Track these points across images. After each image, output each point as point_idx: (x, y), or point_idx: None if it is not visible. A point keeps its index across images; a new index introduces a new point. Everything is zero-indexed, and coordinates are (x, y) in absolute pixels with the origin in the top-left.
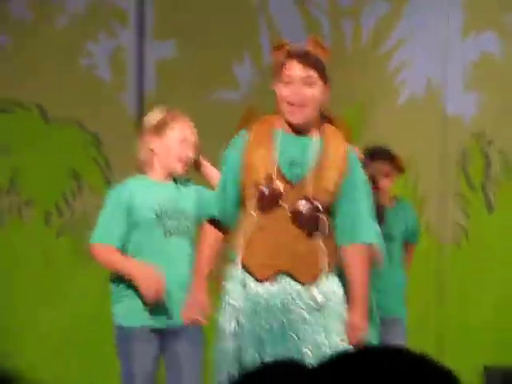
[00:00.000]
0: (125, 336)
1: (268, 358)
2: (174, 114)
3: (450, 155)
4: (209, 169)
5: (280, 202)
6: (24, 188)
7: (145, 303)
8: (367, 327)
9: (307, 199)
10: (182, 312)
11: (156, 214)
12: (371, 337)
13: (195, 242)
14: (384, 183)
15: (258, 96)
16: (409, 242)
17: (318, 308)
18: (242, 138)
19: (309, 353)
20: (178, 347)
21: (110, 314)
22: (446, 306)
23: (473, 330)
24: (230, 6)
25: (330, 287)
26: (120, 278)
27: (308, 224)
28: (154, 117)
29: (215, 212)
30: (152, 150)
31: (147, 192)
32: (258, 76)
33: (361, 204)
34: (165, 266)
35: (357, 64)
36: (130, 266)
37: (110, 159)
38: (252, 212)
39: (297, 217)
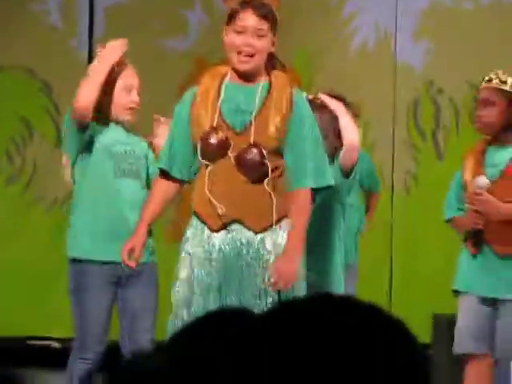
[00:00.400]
0: (80, 271)
1: (216, 306)
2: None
3: (401, 103)
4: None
5: (228, 151)
6: None
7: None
8: (295, 274)
9: (251, 145)
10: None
11: (109, 152)
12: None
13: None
14: None
15: (208, 44)
16: (371, 190)
17: (266, 258)
18: (191, 92)
19: (256, 301)
20: (132, 291)
21: (59, 259)
22: (396, 254)
23: (422, 277)
24: None
25: (278, 238)
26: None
27: (253, 171)
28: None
29: (163, 164)
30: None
31: (104, 131)
32: (209, 24)
33: (307, 144)
34: (115, 207)
35: (309, 11)
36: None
37: (60, 107)
38: (204, 162)
39: (241, 164)
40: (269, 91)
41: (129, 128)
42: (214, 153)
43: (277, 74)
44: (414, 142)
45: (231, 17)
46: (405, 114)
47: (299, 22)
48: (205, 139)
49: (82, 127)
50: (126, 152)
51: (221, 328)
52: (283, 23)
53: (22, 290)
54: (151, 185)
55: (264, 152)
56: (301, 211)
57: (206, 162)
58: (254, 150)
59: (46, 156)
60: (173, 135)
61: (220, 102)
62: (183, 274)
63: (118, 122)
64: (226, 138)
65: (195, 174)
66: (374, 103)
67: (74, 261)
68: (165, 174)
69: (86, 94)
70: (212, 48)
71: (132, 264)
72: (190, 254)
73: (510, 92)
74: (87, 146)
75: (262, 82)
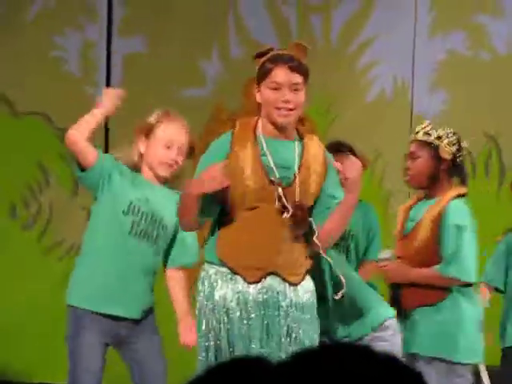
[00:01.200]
0: (76, 318)
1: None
2: (166, 115)
3: None
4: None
5: (276, 204)
6: None
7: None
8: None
9: (299, 202)
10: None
11: (129, 206)
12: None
13: (160, 256)
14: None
15: (225, 93)
16: (366, 258)
17: (302, 306)
18: (226, 141)
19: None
20: (137, 342)
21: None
22: None
23: None
24: (198, 2)
25: (309, 287)
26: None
27: (301, 226)
28: (147, 118)
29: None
30: (141, 152)
31: (130, 183)
32: (226, 73)
33: (331, 199)
34: (122, 263)
35: (326, 61)
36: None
37: None
38: (243, 214)
39: (294, 219)
40: (303, 148)
41: (164, 188)
42: (262, 205)
43: (305, 130)
44: None
45: (264, 73)
46: None
47: (316, 71)
48: (253, 191)
49: (81, 166)
50: (150, 214)
51: (235, 378)
52: None
53: (33, 336)
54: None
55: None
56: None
57: (242, 213)
58: (302, 207)
59: (62, 202)
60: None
61: (262, 155)
62: (213, 324)
63: (155, 177)
64: (274, 192)
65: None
66: (391, 154)
67: (72, 306)
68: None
69: (76, 130)
70: (229, 96)
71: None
72: (220, 304)
73: (433, 144)
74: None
75: (295, 137)
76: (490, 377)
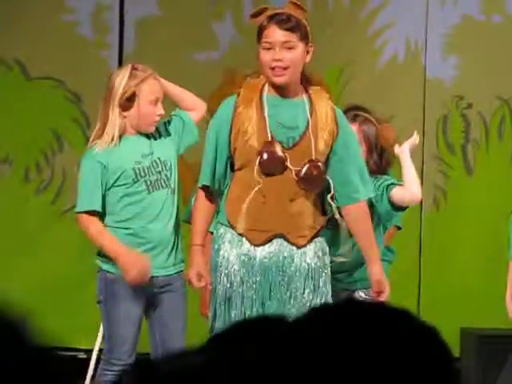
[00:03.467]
0: (111, 280)
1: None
2: (139, 74)
3: (431, 117)
4: (169, 87)
5: (287, 164)
6: (3, 145)
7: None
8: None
9: (311, 161)
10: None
11: (135, 172)
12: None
13: (179, 188)
14: None
15: (238, 56)
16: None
17: (309, 269)
18: (230, 103)
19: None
20: (162, 301)
21: (84, 270)
22: (424, 268)
23: (450, 291)
24: None
25: (319, 249)
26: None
27: (317, 186)
28: (121, 84)
29: (207, 180)
30: (125, 117)
31: (121, 151)
32: (239, 36)
33: (356, 162)
34: (150, 221)
35: (338, 25)
36: (116, 251)
37: (90, 118)
38: (256, 176)
39: (307, 180)
40: (311, 107)
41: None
42: (273, 168)
43: (315, 90)
44: (444, 157)
45: (259, 34)
46: (434, 128)
47: (328, 36)
48: (262, 155)
49: None
50: (152, 163)
51: (259, 332)
52: (312, 37)
53: (49, 300)
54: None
55: (322, 167)
56: (371, 233)
57: (255, 176)
58: (319, 165)
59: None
60: (214, 149)
61: (267, 115)
62: (222, 287)
63: (140, 134)
64: (281, 153)
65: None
66: (404, 117)
67: (104, 270)
68: (207, 190)
69: (91, 237)
70: (242, 59)
71: (201, 284)
72: (227, 267)
73: None
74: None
75: (303, 97)
76: None
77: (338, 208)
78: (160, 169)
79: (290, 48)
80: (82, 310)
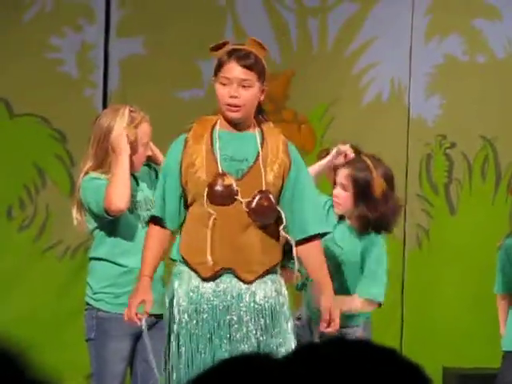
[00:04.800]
0: (101, 318)
1: (206, 358)
2: (136, 117)
3: (414, 156)
4: (157, 153)
5: (237, 197)
6: None
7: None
8: (338, 315)
9: (261, 192)
10: (125, 311)
11: (130, 209)
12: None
13: None
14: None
15: None
16: None
17: (260, 309)
18: (181, 140)
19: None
20: (150, 339)
21: (66, 308)
22: (407, 307)
23: (432, 330)
24: (196, 3)
25: (271, 289)
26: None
27: (267, 217)
28: (121, 127)
29: (158, 212)
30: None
31: None
32: None
33: (310, 196)
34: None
35: (323, 64)
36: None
37: (74, 156)
38: (206, 207)
39: (258, 211)
40: (262, 140)
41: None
42: (222, 199)
43: (268, 125)
44: (427, 196)
45: (217, 68)
46: (417, 167)
47: (313, 73)
48: (212, 186)
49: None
50: (144, 199)
51: (244, 372)
52: (298, 75)
53: (33, 338)
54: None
55: (274, 199)
56: (323, 266)
57: (210, 210)
58: (269, 197)
59: (59, 204)
60: (164, 184)
61: (217, 149)
62: (172, 325)
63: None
64: (233, 184)
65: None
66: (387, 156)
67: (95, 308)
68: (158, 222)
69: (121, 196)
70: None
71: (137, 321)
72: (178, 305)
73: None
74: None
75: (254, 130)
76: None
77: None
78: (149, 207)
79: (247, 86)
80: (65, 349)
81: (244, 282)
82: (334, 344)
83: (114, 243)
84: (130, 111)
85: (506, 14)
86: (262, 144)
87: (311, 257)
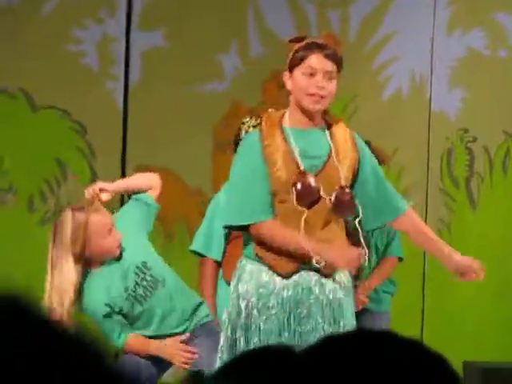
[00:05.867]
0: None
1: None
2: (81, 217)
3: (435, 150)
4: (132, 185)
5: (321, 194)
6: (7, 174)
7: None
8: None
9: (341, 188)
10: None
11: (128, 299)
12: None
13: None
14: None
15: (243, 88)
16: (387, 255)
17: (328, 301)
18: (254, 138)
19: None
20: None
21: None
22: (428, 301)
23: (453, 324)
24: None
25: (344, 278)
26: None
27: (348, 212)
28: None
29: (253, 218)
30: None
31: (94, 290)
32: (244, 68)
33: (384, 182)
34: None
35: (343, 58)
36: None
37: (95, 148)
38: (278, 206)
39: (340, 206)
40: (331, 135)
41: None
42: (309, 198)
43: (333, 117)
44: (448, 190)
45: (299, 59)
46: (439, 161)
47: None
48: (297, 186)
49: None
50: (136, 280)
51: (265, 363)
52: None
53: None
54: None
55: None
56: (423, 225)
57: (302, 208)
58: (348, 192)
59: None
60: (250, 184)
61: (293, 146)
62: (238, 318)
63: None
64: (313, 182)
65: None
66: (408, 150)
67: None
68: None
69: None
70: (247, 91)
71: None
72: (245, 299)
73: None
74: None
75: (322, 125)
76: None
77: (364, 234)
78: (142, 275)
79: (331, 78)
80: None
81: (326, 276)
82: (357, 335)
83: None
84: (73, 211)
85: None
86: (331, 139)
87: (415, 231)
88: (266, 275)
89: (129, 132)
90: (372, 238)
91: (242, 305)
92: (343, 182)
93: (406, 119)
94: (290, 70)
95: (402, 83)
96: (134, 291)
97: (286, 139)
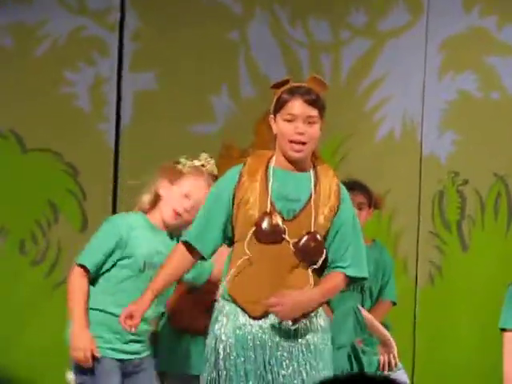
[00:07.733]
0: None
1: None
2: (197, 170)
3: (426, 193)
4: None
5: (284, 236)
6: None
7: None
8: (293, 309)
9: (309, 233)
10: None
11: (144, 264)
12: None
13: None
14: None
15: (235, 130)
16: (381, 299)
17: (307, 345)
18: (235, 172)
19: None
20: (136, 379)
21: None
22: (419, 344)
23: (444, 368)
24: (209, 38)
25: (317, 323)
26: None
27: (314, 258)
28: (176, 163)
29: (191, 238)
30: (159, 195)
31: (142, 236)
32: (236, 110)
33: (353, 240)
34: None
35: (335, 100)
36: (77, 321)
37: (86, 190)
38: (246, 248)
39: (305, 251)
40: (316, 181)
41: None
42: (269, 238)
43: (321, 163)
44: (439, 233)
45: (280, 105)
46: (430, 204)
47: (325, 110)
48: (260, 223)
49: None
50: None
51: None
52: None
53: (44, 373)
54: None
55: (321, 240)
56: (333, 284)
57: (246, 247)
58: (317, 237)
59: (71, 239)
60: (209, 212)
61: (270, 187)
62: (215, 360)
63: (162, 221)
64: (280, 224)
65: (213, 253)
66: (400, 193)
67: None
68: (188, 246)
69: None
70: (238, 132)
71: (129, 328)
72: (223, 341)
73: None
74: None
75: (309, 171)
76: None
77: None
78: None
79: (312, 123)
80: None
81: (294, 320)
82: (355, 378)
83: (113, 293)
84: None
85: None
86: (315, 185)
87: (325, 280)
88: (242, 317)
89: (120, 173)
90: (367, 282)
91: (220, 346)
92: (312, 228)
93: (397, 161)
94: (274, 114)
95: (395, 125)
96: (151, 267)
97: (267, 178)
